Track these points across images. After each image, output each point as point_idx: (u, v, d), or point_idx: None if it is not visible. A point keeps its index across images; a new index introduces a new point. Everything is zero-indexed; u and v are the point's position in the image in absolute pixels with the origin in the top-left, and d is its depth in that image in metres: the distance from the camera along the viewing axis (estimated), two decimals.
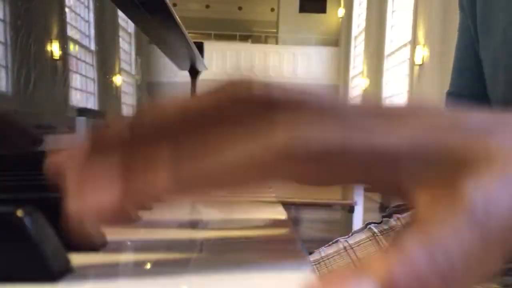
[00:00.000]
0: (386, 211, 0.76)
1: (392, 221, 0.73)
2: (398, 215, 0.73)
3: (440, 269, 0.15)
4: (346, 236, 0.73)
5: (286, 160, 0.17)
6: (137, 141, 0.18)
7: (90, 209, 0.18)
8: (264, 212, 0.32)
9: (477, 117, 0.18)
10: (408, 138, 0.17)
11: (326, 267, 0.69)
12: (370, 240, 0.71)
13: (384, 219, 0.74)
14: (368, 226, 0.74)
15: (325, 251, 0.72)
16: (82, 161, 0.19)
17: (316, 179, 0.18)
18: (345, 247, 0.71)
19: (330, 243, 0.74)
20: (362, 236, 0.72)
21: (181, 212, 0.36)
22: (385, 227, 0.72)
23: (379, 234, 0.71)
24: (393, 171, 0.17)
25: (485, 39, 0.61)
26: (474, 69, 0.66)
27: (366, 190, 0.19)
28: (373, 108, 0.18)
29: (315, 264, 0.70)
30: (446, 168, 0.17)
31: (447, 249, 0.15)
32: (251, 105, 0.18)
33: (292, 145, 0.17)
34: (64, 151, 0.20)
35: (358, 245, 0.70)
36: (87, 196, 0.18)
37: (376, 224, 0.73)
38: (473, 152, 0.16)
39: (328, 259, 0.70)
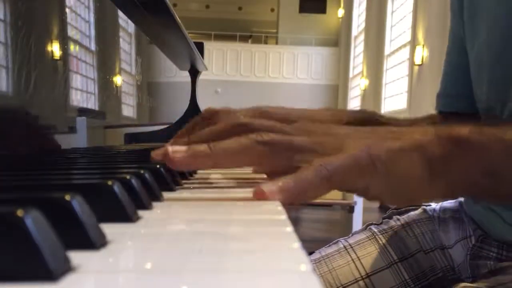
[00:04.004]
0: (386, 212, 0.77)
1: (392, 222, 0.73)
2: (398, 216, 0.74)
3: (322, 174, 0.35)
4: (346, 237, 0.74)
5: (258, 146, 0.39)
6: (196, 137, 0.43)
7: (174, 152, 0.39)
8: (263, 211, 0.32)
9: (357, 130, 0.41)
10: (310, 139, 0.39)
11: (327, 265, 0.69)
12: (369, 239, 0.71)
13: (384, 220, 0.75)
14: (368, 227, 0.74)
15: (325, 250, 0.72)
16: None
17: (271, 161, 0.40)
18: (345, 247, 0.71)
19: (330, 243, 0.74)
20: (362, 236, 0.72)
21: (181, 216, 0.36)
22: (385, 227, 0.72)
23: (378, 234, 0.71)
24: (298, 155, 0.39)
25: (471, 39, 0.61)
26: (460, 70, 0.67)
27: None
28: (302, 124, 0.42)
29: (316, 263, 0.70)
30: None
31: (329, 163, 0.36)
32: (240, 127, 0.42)
33: (260, 140, 0.39)
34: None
35: (358, 245, 0.71)
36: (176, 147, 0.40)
37: (376, 225, 0.74)
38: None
39: (328, 258, 0.70)
